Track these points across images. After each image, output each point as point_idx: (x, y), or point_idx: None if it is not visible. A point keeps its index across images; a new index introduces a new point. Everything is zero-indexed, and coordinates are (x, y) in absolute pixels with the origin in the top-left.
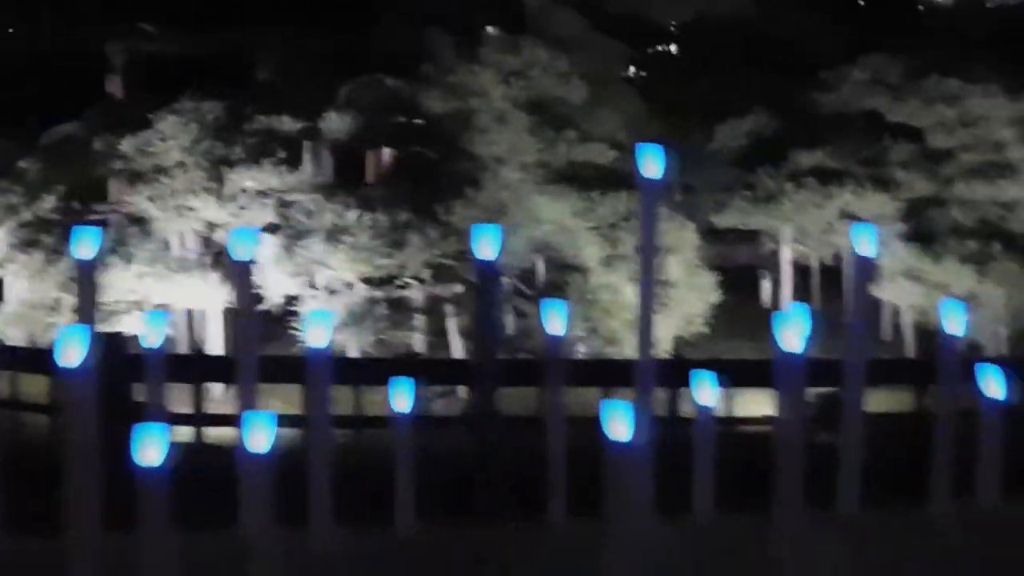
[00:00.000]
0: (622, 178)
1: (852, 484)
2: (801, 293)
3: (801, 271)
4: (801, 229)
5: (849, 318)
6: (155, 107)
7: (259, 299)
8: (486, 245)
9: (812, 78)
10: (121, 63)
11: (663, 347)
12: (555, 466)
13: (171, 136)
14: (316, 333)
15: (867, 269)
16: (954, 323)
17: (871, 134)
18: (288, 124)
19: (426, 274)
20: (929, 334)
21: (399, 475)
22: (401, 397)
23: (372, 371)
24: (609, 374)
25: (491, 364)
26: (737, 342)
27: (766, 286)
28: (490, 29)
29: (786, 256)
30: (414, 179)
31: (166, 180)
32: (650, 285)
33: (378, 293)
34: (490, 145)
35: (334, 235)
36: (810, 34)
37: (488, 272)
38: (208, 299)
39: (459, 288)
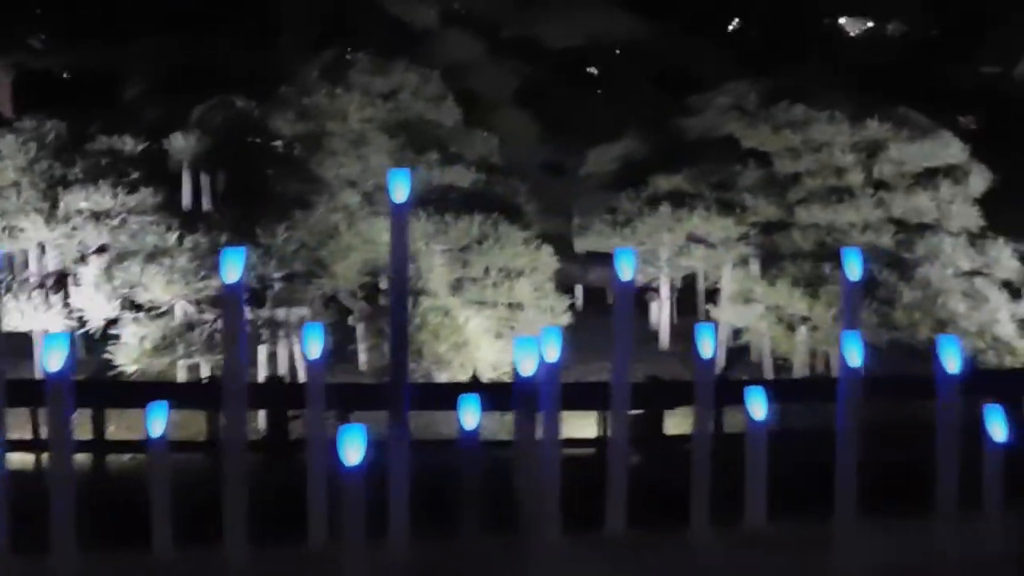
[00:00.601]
0: (486, 200)
1: (618, 505)
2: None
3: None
4: (654, 252)
5: (615, 342)
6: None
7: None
8: (230, 268)
9: (683, 102)
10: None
11: (506, 370)
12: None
13: (8, 156)
14: (54, 357)
15: (627, 294)
16: (706, 345)
17: (726, 159)
18: (130, 145)
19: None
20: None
21: (153, 499)
22: (156, 421)
23: (122, 394)
24: (370, 398)
25: (235, 387)
26: (593, 364)
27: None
28: (361, 53)
29: (638, 279)
30: (244, 201)
31: None
32: (403, 307)
33: (198, 316)
34: (340, 167)
35: (154, 257)
36: (696, 58)
37: (231, 295)
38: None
39: (272, 312)
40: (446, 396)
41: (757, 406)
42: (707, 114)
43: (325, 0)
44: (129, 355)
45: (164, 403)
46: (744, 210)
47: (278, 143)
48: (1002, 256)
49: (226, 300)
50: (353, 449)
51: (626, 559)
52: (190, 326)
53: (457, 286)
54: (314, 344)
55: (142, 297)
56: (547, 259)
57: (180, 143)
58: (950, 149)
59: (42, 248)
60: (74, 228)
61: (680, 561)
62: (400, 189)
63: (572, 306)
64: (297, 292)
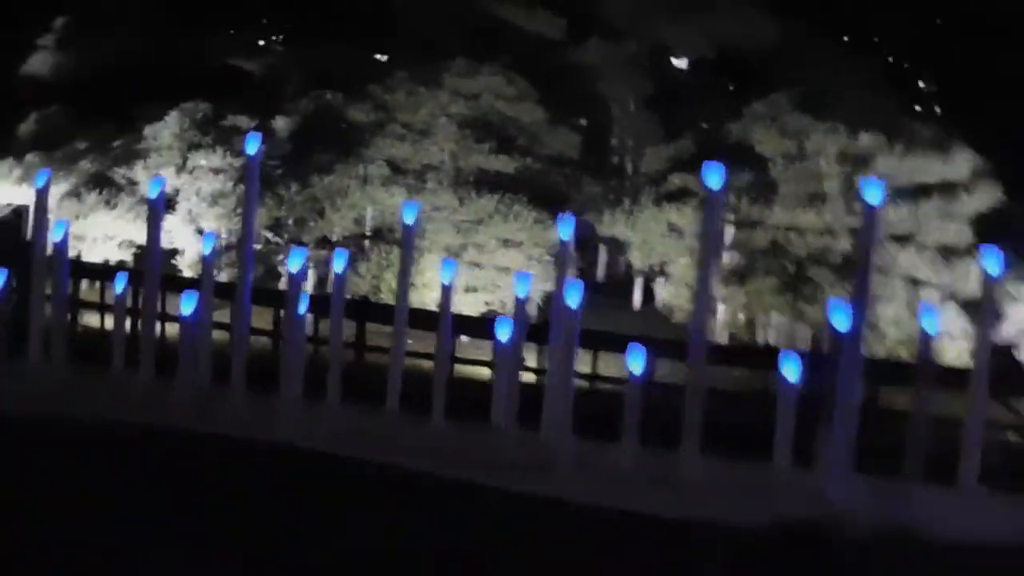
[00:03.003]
0: (529, 186)
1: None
2: None
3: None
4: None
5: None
6: None
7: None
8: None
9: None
10: None
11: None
12: None
13: (168, 126)
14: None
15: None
16: None
17: (745, 161)
18: (246, 122)
19: None
20: None
21: None
22: None
23: None
24: None
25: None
26: None
27: None
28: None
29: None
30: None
31: None
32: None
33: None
34: (392, 148)
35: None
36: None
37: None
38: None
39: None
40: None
41: (635, 362)
42: (744, 120)
43: (467, 17)
44: None
45: None
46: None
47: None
48: (970, 273)
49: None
50: None
51: None
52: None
53: (461, 249)
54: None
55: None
56: (545, 234)
57: (280, 123)
58: (953, 166)
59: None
60: (196, 179)
61: None
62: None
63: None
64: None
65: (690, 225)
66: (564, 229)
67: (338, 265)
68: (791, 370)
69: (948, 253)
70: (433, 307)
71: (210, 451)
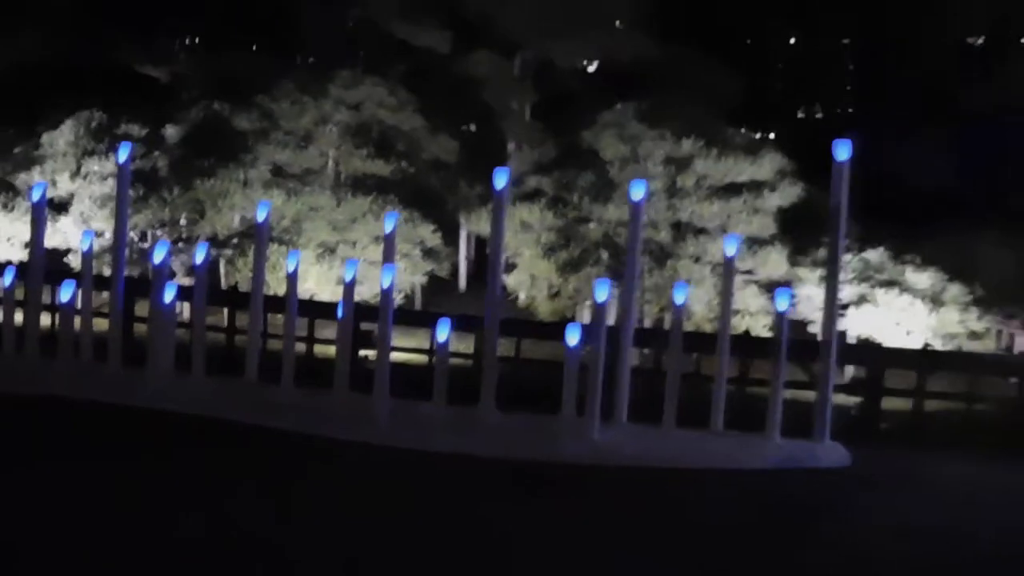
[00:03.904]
0: (401, 188)
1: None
2: None
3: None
4: None
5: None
6: None
7: None
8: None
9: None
10: None
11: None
12: None
13: None
14: None
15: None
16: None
17: (591, 165)
18: (137, 129)
19: None
20: None
21: None
22: None
23: None
24: None
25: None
26: None
27: None
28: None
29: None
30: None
31: None
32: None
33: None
34: (276, 154)
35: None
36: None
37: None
38: None
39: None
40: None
41: (442, 332)
42: (596, 128)
43: (365, 34)
44: None
45: None
46: (567, 205)
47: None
48: (769, 259)
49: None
50: None
51: None
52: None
53: (334, 246)
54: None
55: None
56: (419, 233)
57: (171, 131)
58: (760, 168)
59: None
60: (89, 183)
61: None
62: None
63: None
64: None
65: (539, 221)
66: (388, 223)
67: (199, 258)
68: (573, 337)
69: (753, 243)
70: (306, 296)
71: (89, 416)
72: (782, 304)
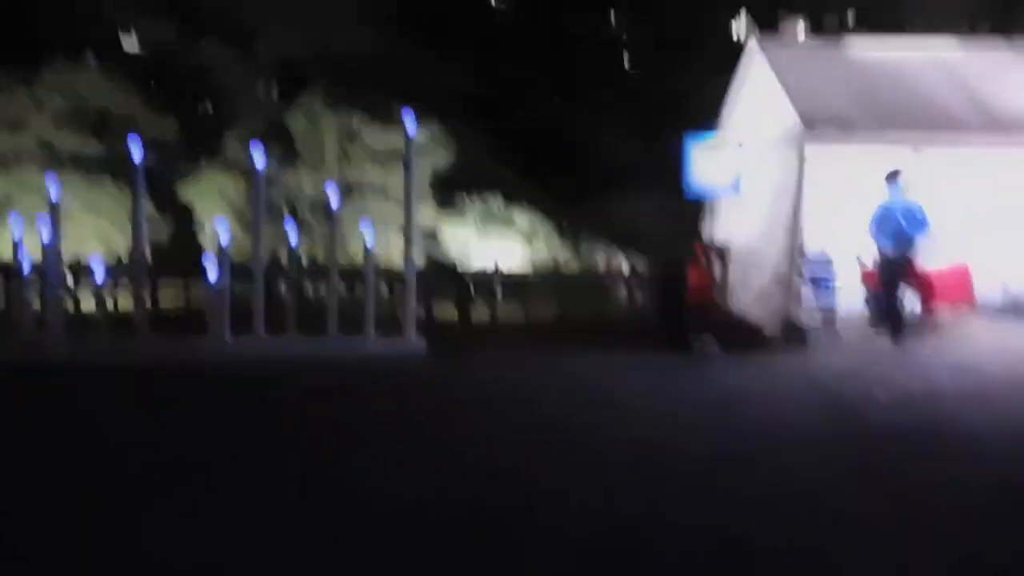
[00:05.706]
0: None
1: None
2: None
3: None
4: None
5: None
6: None
7: None
8: None
9: None
10: None
11: None
12: None
13: None
14: None
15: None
16: None
17: None
18: None
19: None
20: None
21: None
22: None
23: None
24: None
25: None
26: None
27: None
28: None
29: None
30: None
31: None
32: None
33: None
34: None
35: None
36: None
37: None
38: None
39: None
40: None
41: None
42: (296, 108)
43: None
44: None
45: None
46: None
47: None
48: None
49: None
50: None
51: None
52: None
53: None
54: None
55: None
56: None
57: None
58: (420, 136)
59: None
60: None
61: None
62: None
63: None
64: None
65: (233, 189)
66: (52, 190)
67: None
68: (210, 272)
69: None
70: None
71: None
72: (369, 241)
